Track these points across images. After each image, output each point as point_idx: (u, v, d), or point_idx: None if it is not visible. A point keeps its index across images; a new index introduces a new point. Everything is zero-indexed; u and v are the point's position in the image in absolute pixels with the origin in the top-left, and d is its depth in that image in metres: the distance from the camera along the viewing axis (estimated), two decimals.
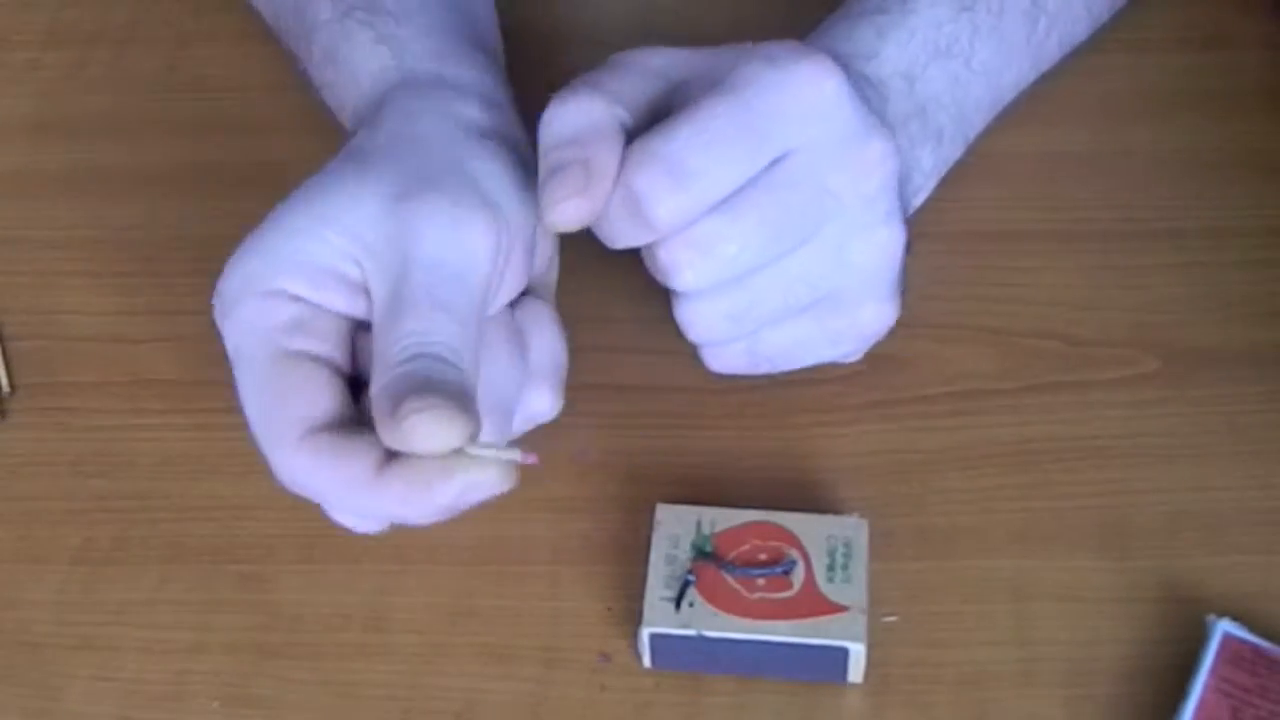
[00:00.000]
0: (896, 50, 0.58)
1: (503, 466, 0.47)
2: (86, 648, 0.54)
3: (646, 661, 0.53)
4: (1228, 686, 0.50)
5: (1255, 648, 0.51)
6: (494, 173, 0.52)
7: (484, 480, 0.47)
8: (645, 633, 0.51)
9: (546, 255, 0.56)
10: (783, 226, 0.51)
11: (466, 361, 0.48)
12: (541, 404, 0.54)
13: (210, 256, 0.64)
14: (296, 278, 0.50)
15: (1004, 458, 0.57)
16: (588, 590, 0.55)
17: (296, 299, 0.50)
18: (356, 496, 0.48)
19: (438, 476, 0.46)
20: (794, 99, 0.51)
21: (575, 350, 0.60)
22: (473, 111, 0.55)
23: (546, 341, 0.54)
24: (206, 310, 0.63)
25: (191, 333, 0.62)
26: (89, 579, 0.56)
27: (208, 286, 0.63)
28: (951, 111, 0.60)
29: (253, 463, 0.59)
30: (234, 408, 0.60)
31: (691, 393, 0.60)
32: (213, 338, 0.62)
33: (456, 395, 0.46)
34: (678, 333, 0.61)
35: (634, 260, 0.64)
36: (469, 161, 0.52)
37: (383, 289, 0.49)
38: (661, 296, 0.62)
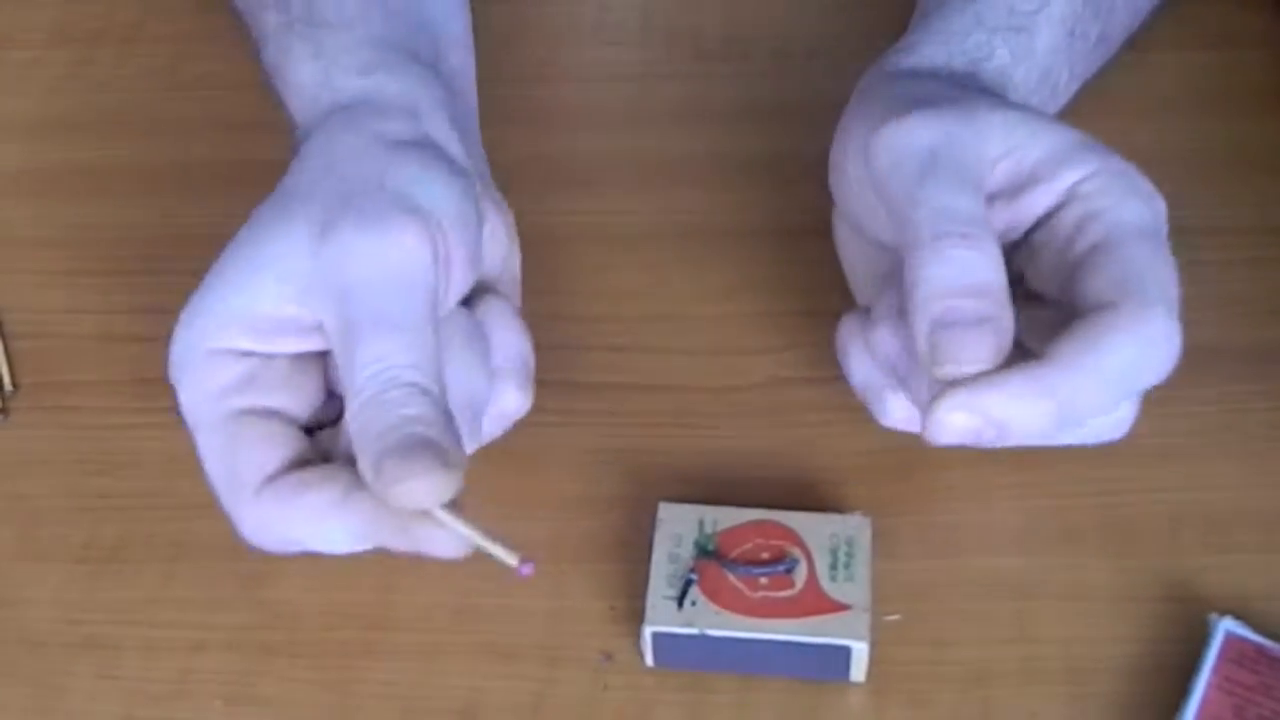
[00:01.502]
0: (1023, 78, 0.58)
1: (458, 542, 0.48)
2: (89, 646, 0.55)
3: (649, 660, 0.53)
4: (1230, 685, 0.50)
5: (1258, 646, 0.51)
6: (419, 178, 0.51)
7: (439, 544, 0.48)
8: (648, 631, 0.52)
9: (500, 253, 0.56)
10: None
11: (431, 375, 0.48)
12: (509, 402, 0.54)
13: (214, 255, 0.64)
14: (240, 332, 0.50)
15: (1006, 456, 0.56)
16: (590, 589, 0.55)
17: (245, 354, 0.50)
18: (328, 522, 0.49)
19: (397, 520, 0.48)
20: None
21: (580, 350, 0.60)
22: (395, 126, 0.54)
23: (509, 338, 0.54)
24: None
25: None
26: (92, 577, 0.56)
27: None
28: None
29: None
30: None
31: (694, 391, 0.60)
32: None
33: (439, 450, 0.46)
34: (680, 331, 0.61)
35: (636, 261, 0.64)
36: (391, 174, 0.51)
37: (333, 321, 0.49)
38: (664, 298, 0.63)
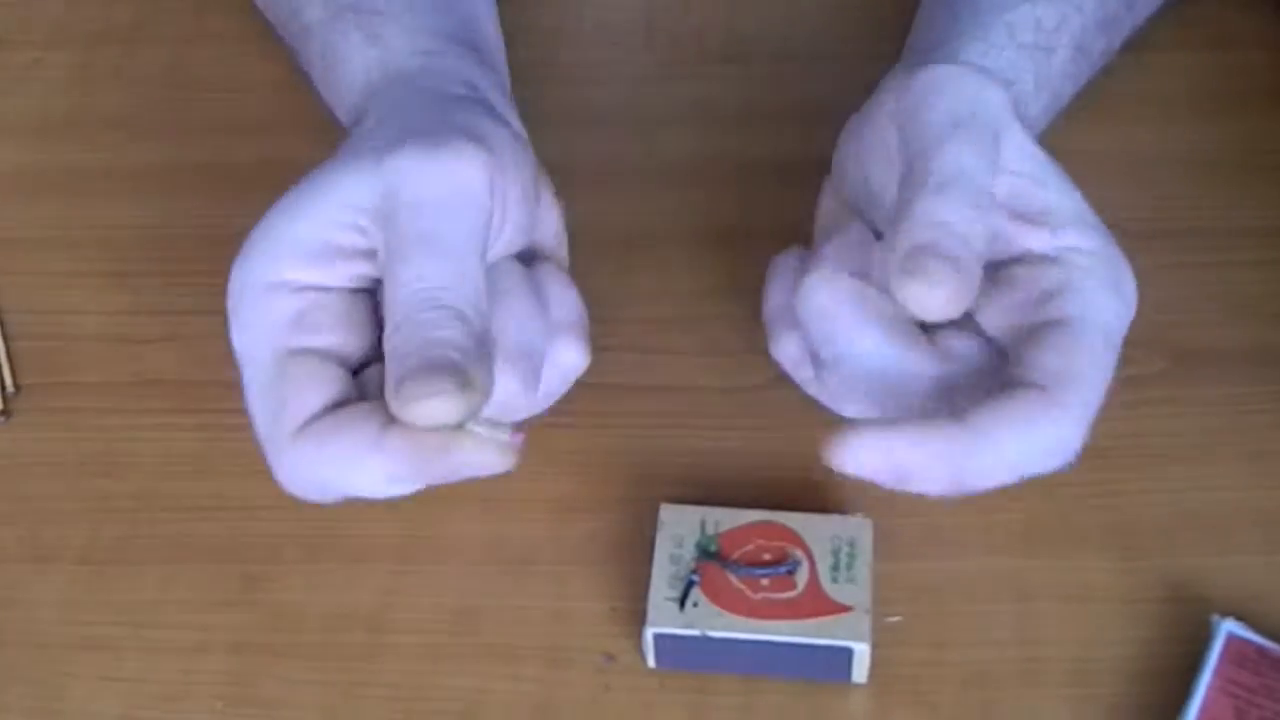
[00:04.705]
0: (1036, 104, 0.57)
1: (500, 448, 0.47)
2: (90, 647, 0.55)
3: (651, 662, 0.53)
4: (1232, 687, 0.50)
5: (1259, 648, 0.51)
6: (481, 122, 0.52)
7: (480, 460, 0.47)
8: (650, 633, 0.52)
9: (553, 229, 0.56)
10: None
11: (469, 301, 0.48)
12: (570, 356, 0.54)
13: (215, 256, 0.64)
14: (300, 260, 0.50)
15: None
16: (592, 590, 0.55)
17: (300, 289, 0.50)
18: (365, 462, 0.47)
19: (436, 450, 0.46)
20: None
21: None
22: (456, 89, 0.56)
23: (566, 295, 0.54)
24: (211, 310, 0.63)
25: (196, 332, 0.62)
26: (93, 579, 0.56)
27: (212, 286, 0.63)
28: None
29: (257, 462, 0.58)
30: (239, 408, 0.60)
31: (696, 393, 0.60)
32: (218, 336, 0.62)
33: (459, 371, 0.46)
34: (681, 332, 0.61)
35: (638, 262, 0.64)
36: (454, 113, 0.52)
37: (384, 244, 0.49)
38: (666, 299, 0.63)
